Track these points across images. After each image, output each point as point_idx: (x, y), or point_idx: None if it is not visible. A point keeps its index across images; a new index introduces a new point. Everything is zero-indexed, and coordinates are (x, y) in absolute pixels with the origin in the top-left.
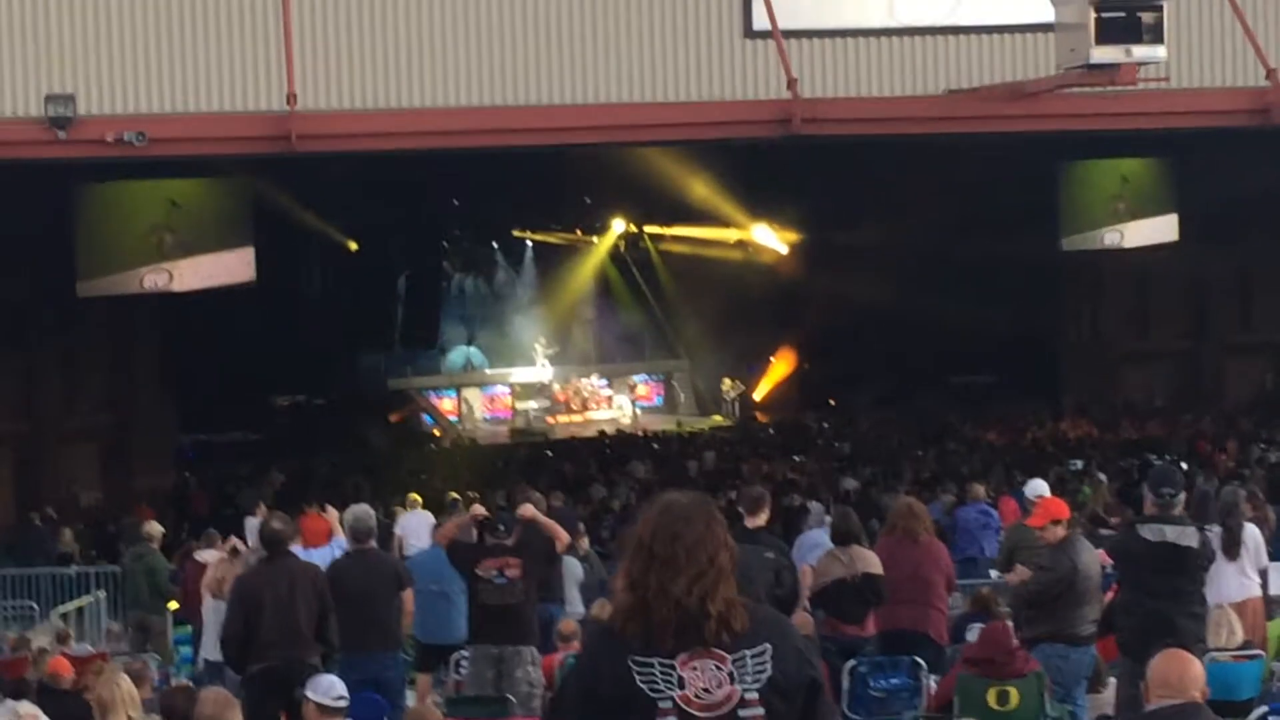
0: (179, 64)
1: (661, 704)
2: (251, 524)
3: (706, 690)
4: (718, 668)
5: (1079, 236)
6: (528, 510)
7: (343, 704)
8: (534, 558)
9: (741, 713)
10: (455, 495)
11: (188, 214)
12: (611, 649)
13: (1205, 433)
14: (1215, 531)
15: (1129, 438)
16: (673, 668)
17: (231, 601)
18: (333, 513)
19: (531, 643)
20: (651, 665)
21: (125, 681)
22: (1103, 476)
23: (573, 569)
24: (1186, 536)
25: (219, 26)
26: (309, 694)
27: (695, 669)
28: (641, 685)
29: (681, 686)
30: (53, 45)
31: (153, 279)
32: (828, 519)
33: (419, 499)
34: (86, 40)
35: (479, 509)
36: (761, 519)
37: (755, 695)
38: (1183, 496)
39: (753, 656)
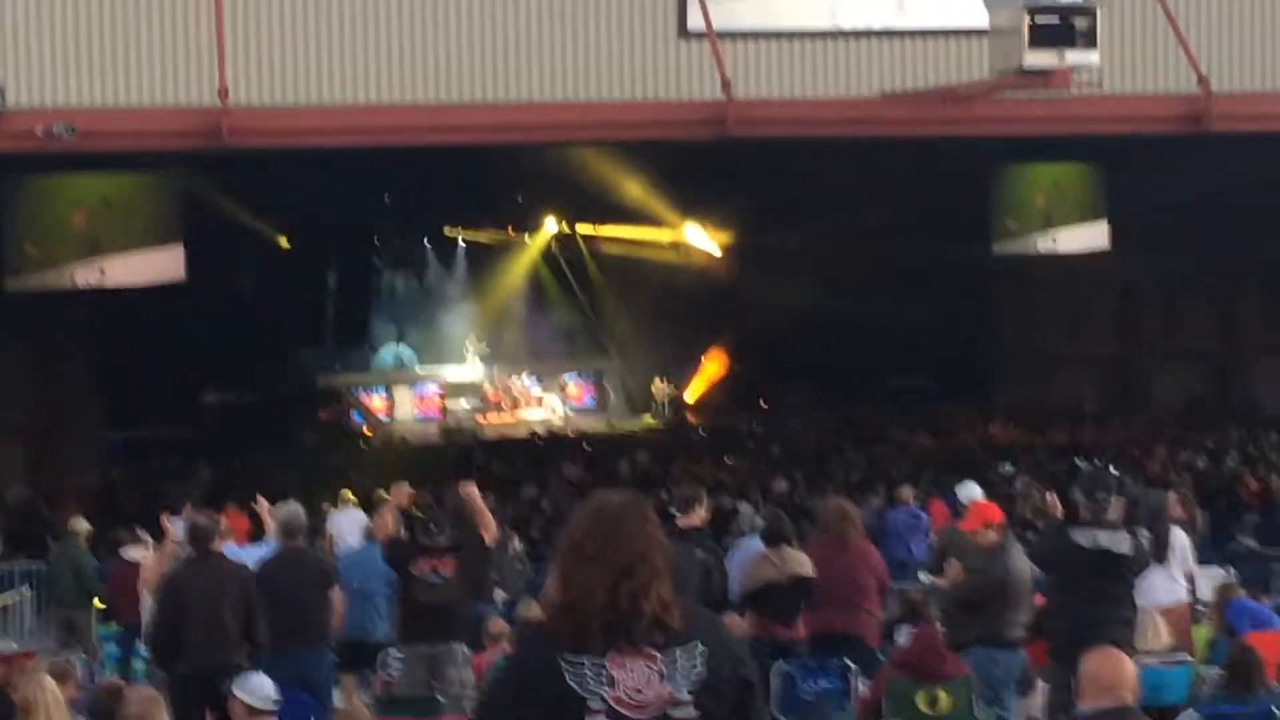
0: (110, 57)
1: (591, 704)
2: (177, 522)
3: (638, 690)
4: (648, 667)
5: (1011, 241)
6: (470, 490)
7: (271, 705)
8: (467, 556)
9: (673, 713)
10: (385, 494)
11: (118, 209)
12: (542, 647)
13: (1135, 437)
14: (1146, 537)
15: (1059, 442)
16: (603, 667)
17: (159, 601)
18: (264, 504)
19: (463, 640)
20: (582, 664)
21: (49, 682)
22: (1031, 481)
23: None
24: (1119, 542)
25: (151, 19)
26: (236, 692)
27: (626, 668)
28: (572, 684)
29: (612, 686)
30: None
31: (82, 275)
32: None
33: (351, 495)
34: (16, 31)
35: (405, 489)
36: (695, 519)
37: (688, 696)
38: (1114, 501)
39: (684, 656)
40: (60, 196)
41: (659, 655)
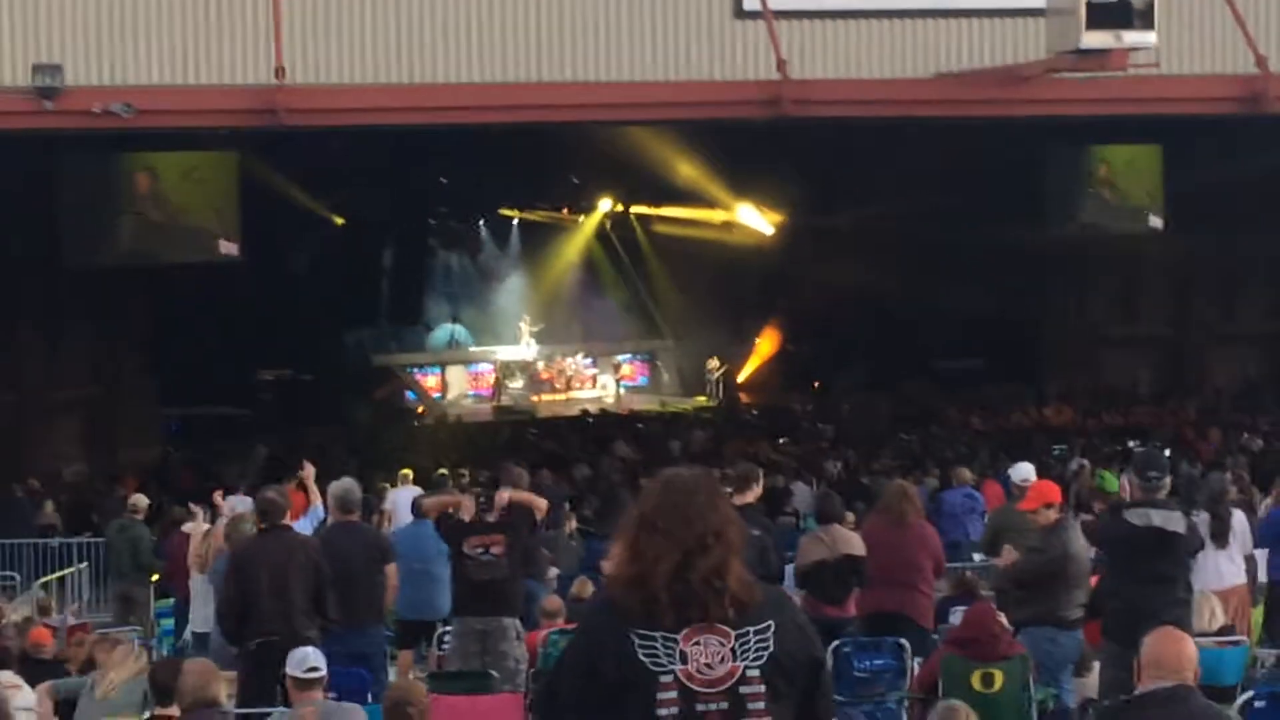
0: (168, 36)
1: (663, 678)
2: (232, 501)
3: (709, 666)
4: (721, 643)
5: (1065, 221)
6: (503, 496)
7: (316, 675)
8: (518, 533)
9: (743, 689)
10: (443, 471)
11: (174, 187)
12: (613, 622)
13: (1189, 420)
14: (1202, 517)
15: (1114, 424)
16: (675, 642)
17: (228, 574)
18: (309, 470)
19: (515, 616)
20: (654, 639)
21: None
22: (1085, 462)
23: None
24: (1173, 521)
25: None
26: (286, 668)
27: (698, 644)
28: (643, 658)
29: (684, 661)
30: (40, 14)
31: (138, 251)
32: None
33: (410, 473)
34: (75, 10)
35: (466, 502)
36: (750, 496)
37: (757, 672)
38: (1168, 481)
39: (756, 633)
40: (117, 174)
41: (731, 632)
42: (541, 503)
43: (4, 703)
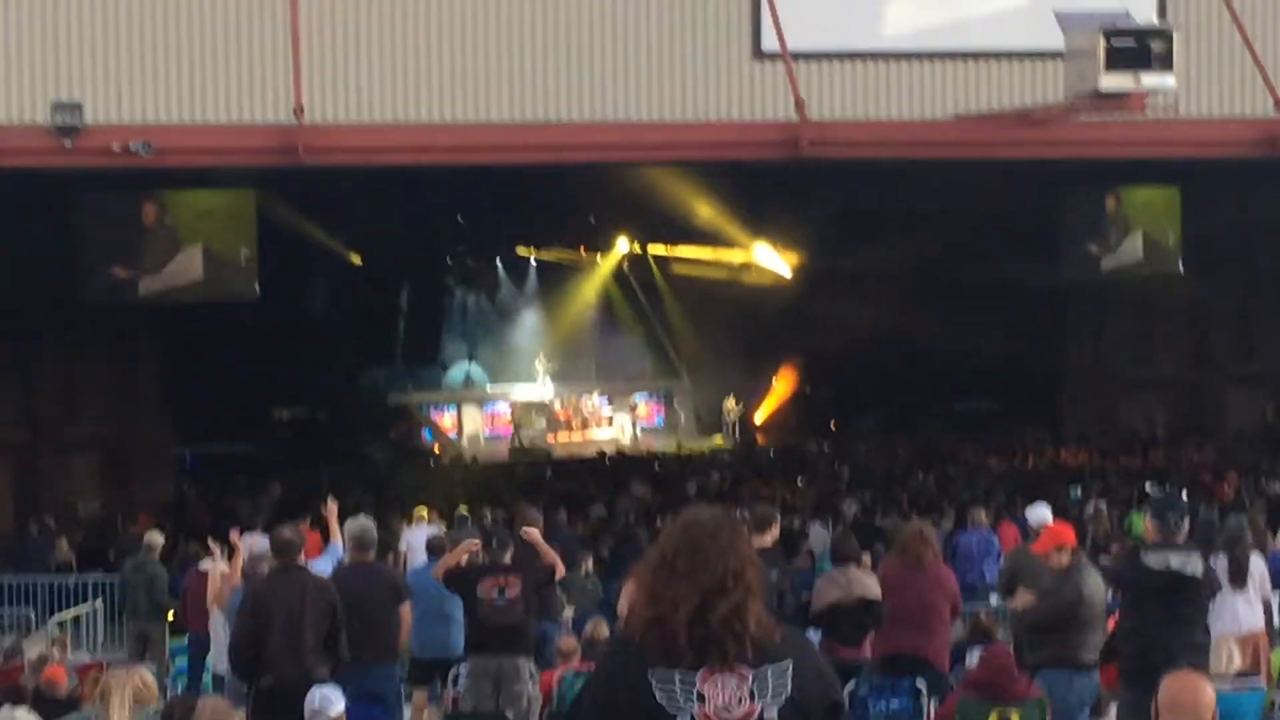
0: (187, 74)
1: (680, 718)
2: (249, 539)
3: (726, 707)
4: (739, 684)
5: (1082, 263)
6: (532, 534)
7: (336, 714)
8: (532, 574)
9: None
10: (464, 511)
11: (192, 226)
12: (630, 661)
13: (1207, 463)
14: (1220, 561)
15: (1130, 466)
16: (693, 682)
17: (241, 612)
18: (333, 508)
19: (529, 656)
20: (672, 679)
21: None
22: (1102, 504)
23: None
24: (1191, 564)
25: (227, 37)
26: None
27: (716, 684)
28: (660, 699)
29: (701, 702)
30: (61, 53)
31: (154, 290)
32: None
33: (425, 513)
34: (94, 48)
35: (473, 543)
36: (768, 539)
37: (774, 714)
38: (1187, 524)
39: (774, 673)
40: (134, 212)
41: (750, 672)
42: (560, 566)
43: None
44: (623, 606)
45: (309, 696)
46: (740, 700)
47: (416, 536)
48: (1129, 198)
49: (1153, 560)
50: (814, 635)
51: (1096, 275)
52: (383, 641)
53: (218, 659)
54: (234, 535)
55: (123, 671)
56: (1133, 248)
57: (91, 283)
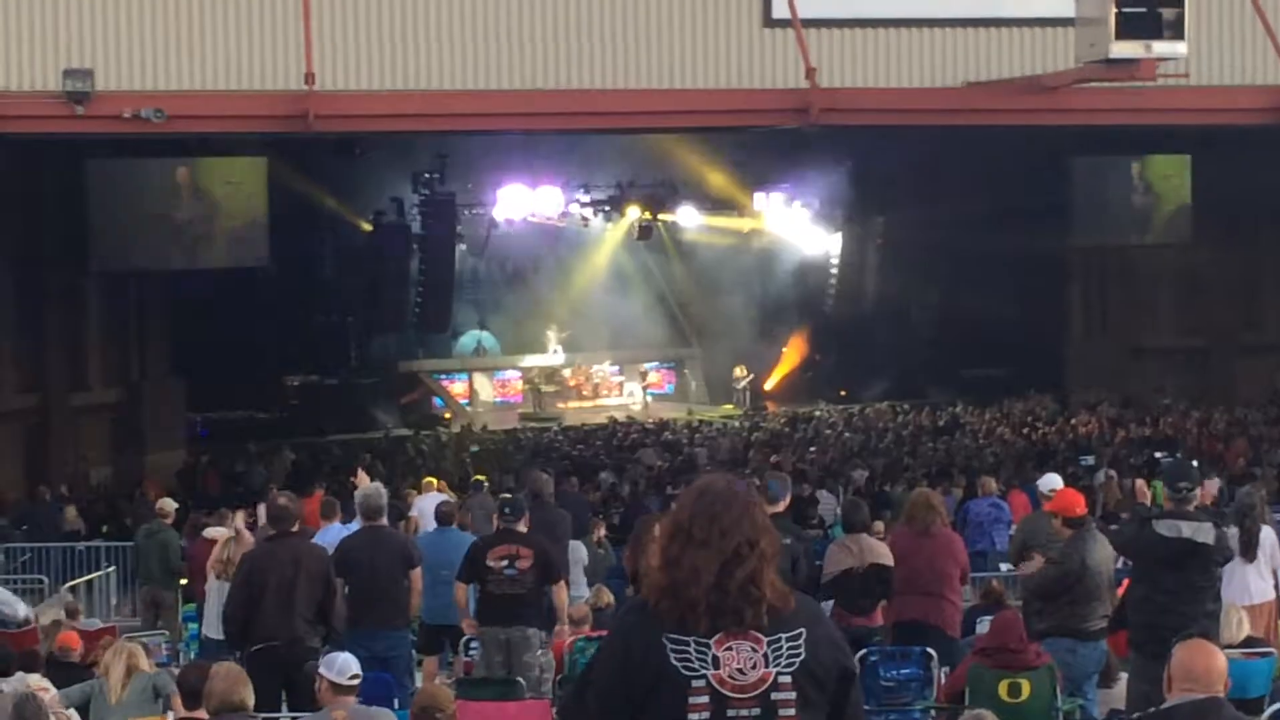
0: (198, 41)
1: (695, 683)
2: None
3: (741, 671)
4: (753, 649)
5: (1092, 231)
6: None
7: (355, 683)
8: (544, 546)
9: (774, 695)
10: (480, 477)
11: (203, 192)
12: (646, 627)
13: (1215, 431)
14: (1234, 532)
15: (1139, 435)
16: (708, 647)
17: (236, 580)
18: (364, 477)
19: (539, 626)
20: (687, 644)
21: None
22: (1112, 473)
23: (579, 553)
24: (1202, 532)
25: (239, 5)
26: (323, 671)
27: (731, 649)
28: (675, 663)
29: (716, 666)
30: (72, 19)
31: (165, 256)
32: None
33: (435, 482)
34: (106, 15)
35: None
36: (780, 506)
37: (789, 679)
38: (1198, 492)
39: (788, 640)
40: (145, 178)
41: (764, 638)
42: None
43: (42, 705)
44: (638, 564)
45: (326, 663)
46: (754, 665)
47: (427, 503)
48: (1139, 166)
49: (1164, 528)
50: (826, 604)
51: (1106, 242)
52: (393, 606)
53: (211, 624)
54: (237, 521)
55: (116, 645)
56: (1143, 216)
57: (103, 249)
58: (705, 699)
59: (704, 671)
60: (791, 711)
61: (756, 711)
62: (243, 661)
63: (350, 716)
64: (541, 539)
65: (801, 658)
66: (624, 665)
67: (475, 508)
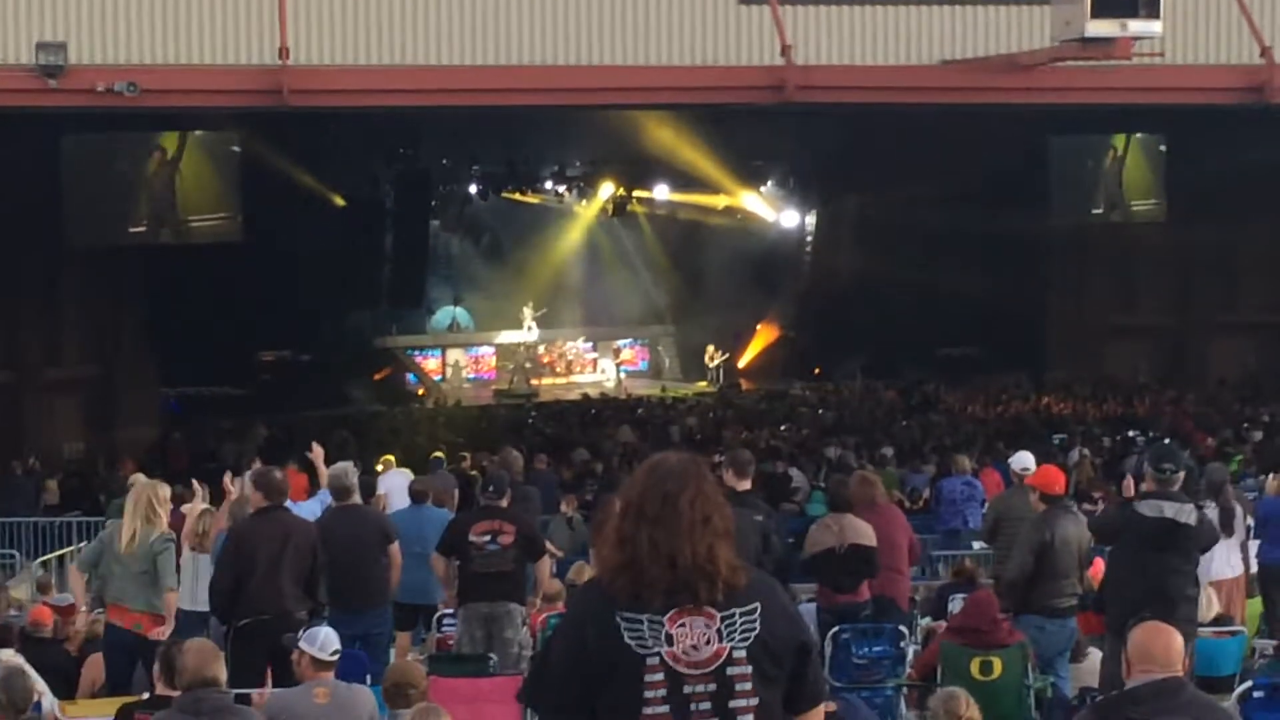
0: (172, 15)
1: (649, 660)
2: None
3: (694, 647)
4: (707, 625)
5: (1067, 210)
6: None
7: (336, 658)
8: (525, 521)
9: (730, 670)
10: (439, 454)
11: (176, 167)
12: (599, 605)
13: (1189, 411)
14: (1212, 510)
15: (1113, 414)
16: (661, 624)
17: (223, 553)
18: (319, 451)
19: (520, 601)
20: (640, 622)
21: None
22: (1085, 451)
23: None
24: (1185, 514)
25: None
26: (304, 646)
27: (684, 625)
28: (629, 641)
29: (670, 643)
30: None
31: (139, 231)
32: None
33: (392, 460)
34: None
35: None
36: (747, 482)
37: (743, 653)
38: (1182, 474)
39: (742, 615)
40: (119, 154)
41: (718, 614)
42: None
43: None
44: (594, 553)
45: (308, 638)
46: (708, 641)
47: (393, 480)
48: (1114, 144)
49: (1146, 507)
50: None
51: (1081, 221)
52: (372, 584)
53: (185, 596)
54: (226, 480)
55: (144, 483)
56: (1118, 195)
57: (76, 225)
58: (660, 676)
59: (657, 649)
60: (748, 686)
61: (712, 687)
62: (230, 635)
63: (331, 693)
64: (524, 515)
65: (756, 632)
66: (580, 646)
67: (434, 484)
